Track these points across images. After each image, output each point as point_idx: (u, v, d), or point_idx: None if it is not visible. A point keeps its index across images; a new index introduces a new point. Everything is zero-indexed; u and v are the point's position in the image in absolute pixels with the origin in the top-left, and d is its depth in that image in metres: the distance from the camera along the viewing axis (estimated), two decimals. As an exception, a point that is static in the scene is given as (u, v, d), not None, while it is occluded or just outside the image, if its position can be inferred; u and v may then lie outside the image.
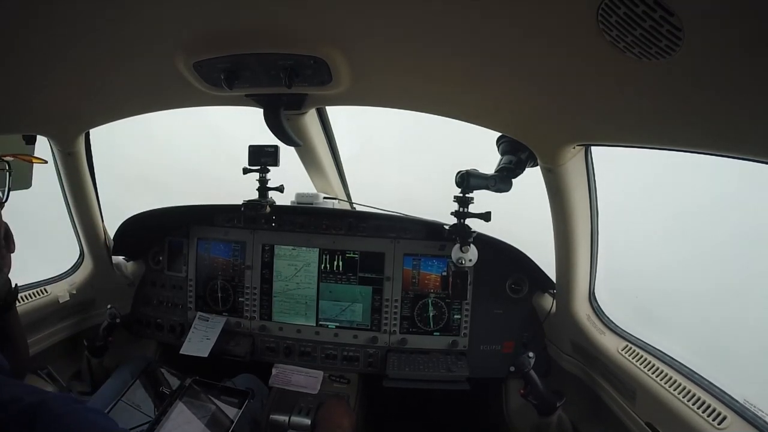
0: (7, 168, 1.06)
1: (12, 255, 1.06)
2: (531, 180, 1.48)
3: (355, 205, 2.36)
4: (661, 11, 0.63)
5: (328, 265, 2.07)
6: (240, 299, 2.12)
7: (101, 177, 1.93)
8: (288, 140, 1.49)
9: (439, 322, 2.03)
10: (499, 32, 0.85)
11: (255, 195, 1.78)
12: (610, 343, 1.54)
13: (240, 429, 1.51)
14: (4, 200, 1.06)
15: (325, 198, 2.25)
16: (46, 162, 1.48)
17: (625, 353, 1.46)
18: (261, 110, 1.39)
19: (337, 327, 2.07)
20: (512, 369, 1.92)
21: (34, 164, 1.53)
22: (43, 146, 1.74)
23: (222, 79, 1.11)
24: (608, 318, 1.64)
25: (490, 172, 1.47)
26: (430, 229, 2.00)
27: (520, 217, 2.03)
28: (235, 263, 2.14)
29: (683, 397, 1.20)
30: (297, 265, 2.09)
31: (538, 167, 1.44)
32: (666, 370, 1.31)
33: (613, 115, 1.04)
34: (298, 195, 2.19)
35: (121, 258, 2.19)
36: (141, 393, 1.66)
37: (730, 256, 1.70)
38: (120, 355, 2.01)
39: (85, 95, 1.35)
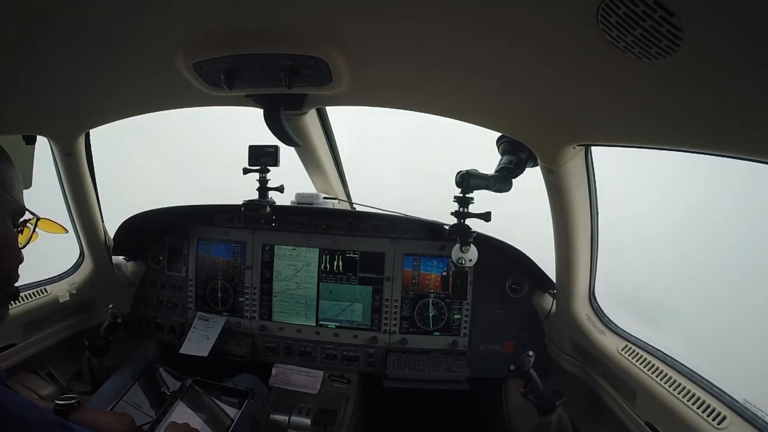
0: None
1: None
2: (531, 180, 1.48)
3: (355, 205, 2.36)
4: (661, 11, 0.63)
5: (328, 265, 2.07)
6: (240, 299, 2.12)
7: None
8: (288, 140, 1.49)
9: (439, 322, 2.03)
10: (498, 32, 0.84)
11: (255, 195, 1.78)
12: (610, 343, 1.54)
13: (240, 429, 1.51)
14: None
15: (325, 198, 2.25)
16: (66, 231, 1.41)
17: (625, 353, 1.46)
18: (261, 110, 1.39)
19: (337, 327, 2.07)
20: (512, 368, 1.93)
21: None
22: (43, 146, 1.74)
23: (222, 80, 1.11)
24: (608, 318, 1.64)
25: (490, 172, 1.47)
26: (430, 229, 2.00)
27: (520, 216, 2.02)
28: (235, 263, 2.13)
29: (683, 397, 1.20)
30: (297, 265, 2.09)
31: (538, 167, 1.44)
32: (666, 370, 1.31)
33: (613, 115, 1.04)
34: (298, 195, 2.19)
35: (121, 258, 2.20)
36: (141, 393, 1.66)
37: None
38: (120, 355, 2.01)
39: (85, 95, 1.35)
